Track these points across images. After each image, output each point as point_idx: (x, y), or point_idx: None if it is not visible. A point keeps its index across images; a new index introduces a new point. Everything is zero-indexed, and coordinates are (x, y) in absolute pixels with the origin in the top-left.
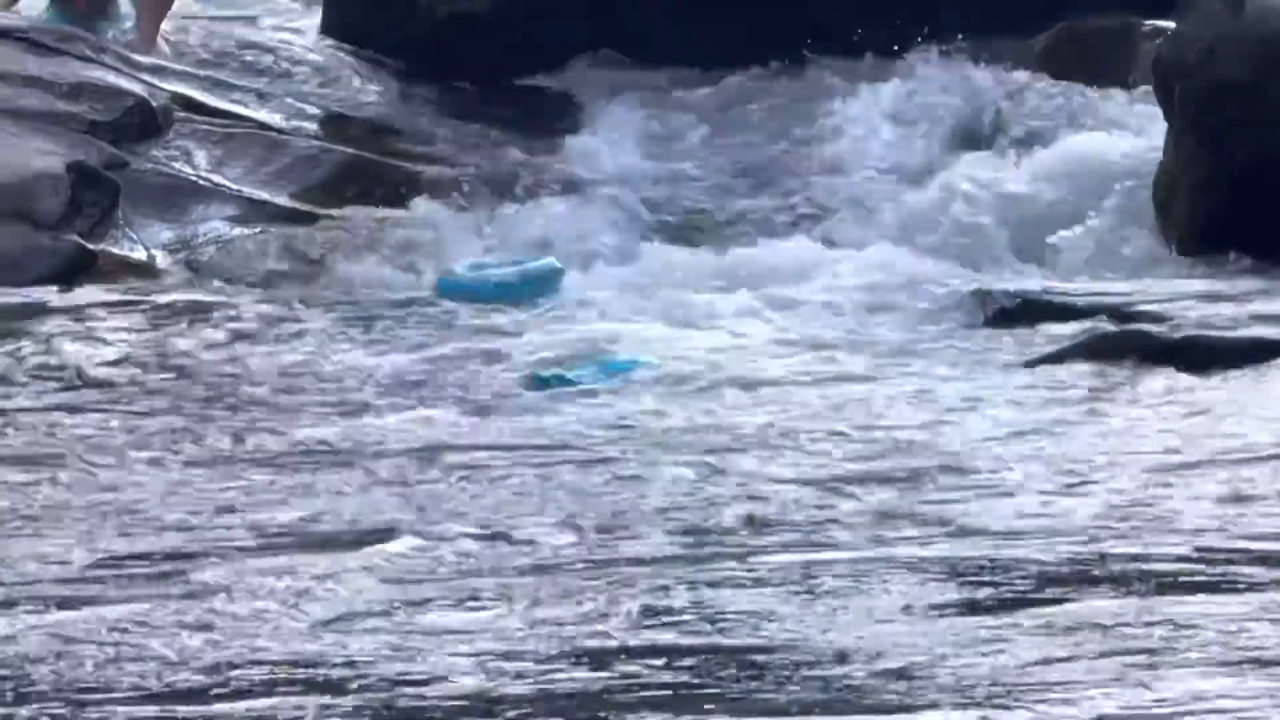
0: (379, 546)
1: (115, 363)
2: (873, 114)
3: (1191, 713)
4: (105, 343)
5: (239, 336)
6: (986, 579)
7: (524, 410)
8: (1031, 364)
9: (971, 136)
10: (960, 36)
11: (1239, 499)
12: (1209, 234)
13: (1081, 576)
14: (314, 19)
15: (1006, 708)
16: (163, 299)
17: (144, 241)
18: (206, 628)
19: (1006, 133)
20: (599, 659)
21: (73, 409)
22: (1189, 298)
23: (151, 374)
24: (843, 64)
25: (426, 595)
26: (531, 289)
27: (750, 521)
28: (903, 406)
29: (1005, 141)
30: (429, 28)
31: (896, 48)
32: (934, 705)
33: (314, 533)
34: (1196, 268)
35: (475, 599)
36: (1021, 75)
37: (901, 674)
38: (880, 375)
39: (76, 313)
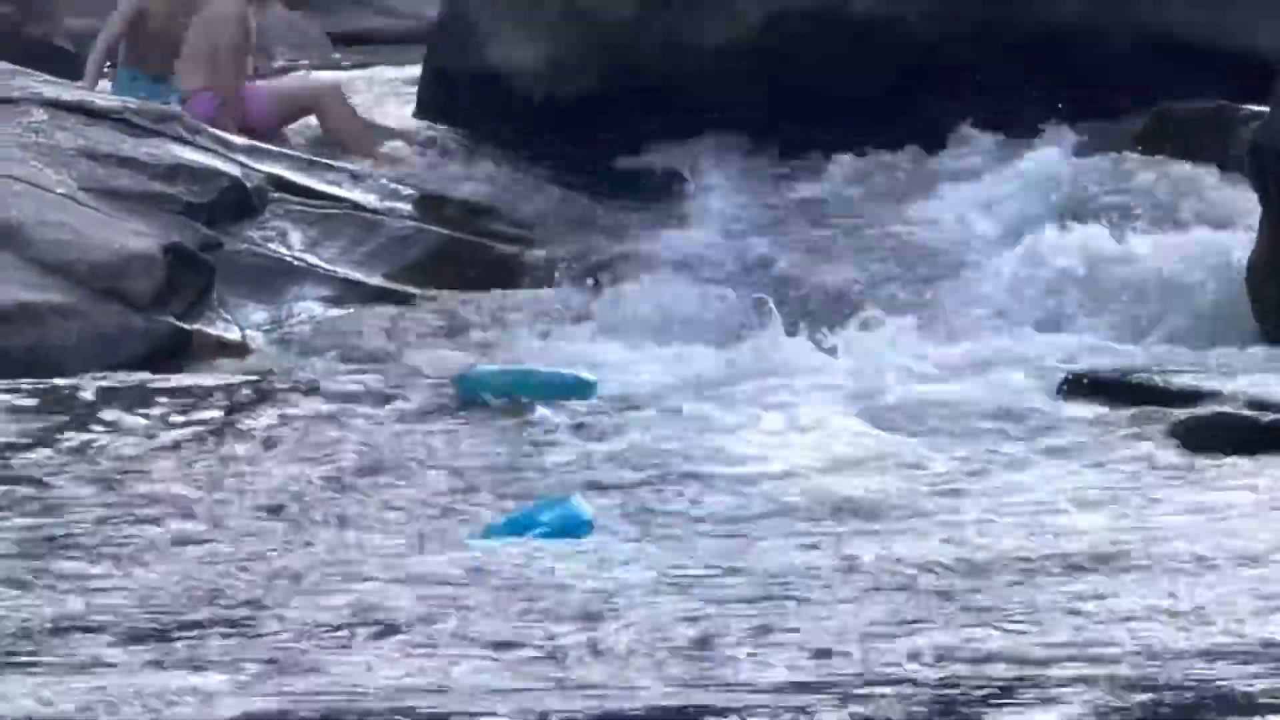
0: None
1: (194, 444)
2: (976, 197)
3: None
4: (188, 425)
5: (323, 419)
6: None
7: None
8: (1124, 446)
9: (1068, 217)
10: (1061, 120)
11: None
12: None
13: None
14: (410, 100)
15: None
16: (252, 379)
17: (238, 321)
18: None
19: (1102, 215)
20: None
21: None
22: None
23: (229, 457)
24: (945, 149)
25: None
26: (566, 394)
27: None
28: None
29: (1100, 223)
30: (525, 110)
31: (999, 130)
32: None
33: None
34: None
35: None
36: (1119, 157)
37: None
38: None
39: (168, 394)
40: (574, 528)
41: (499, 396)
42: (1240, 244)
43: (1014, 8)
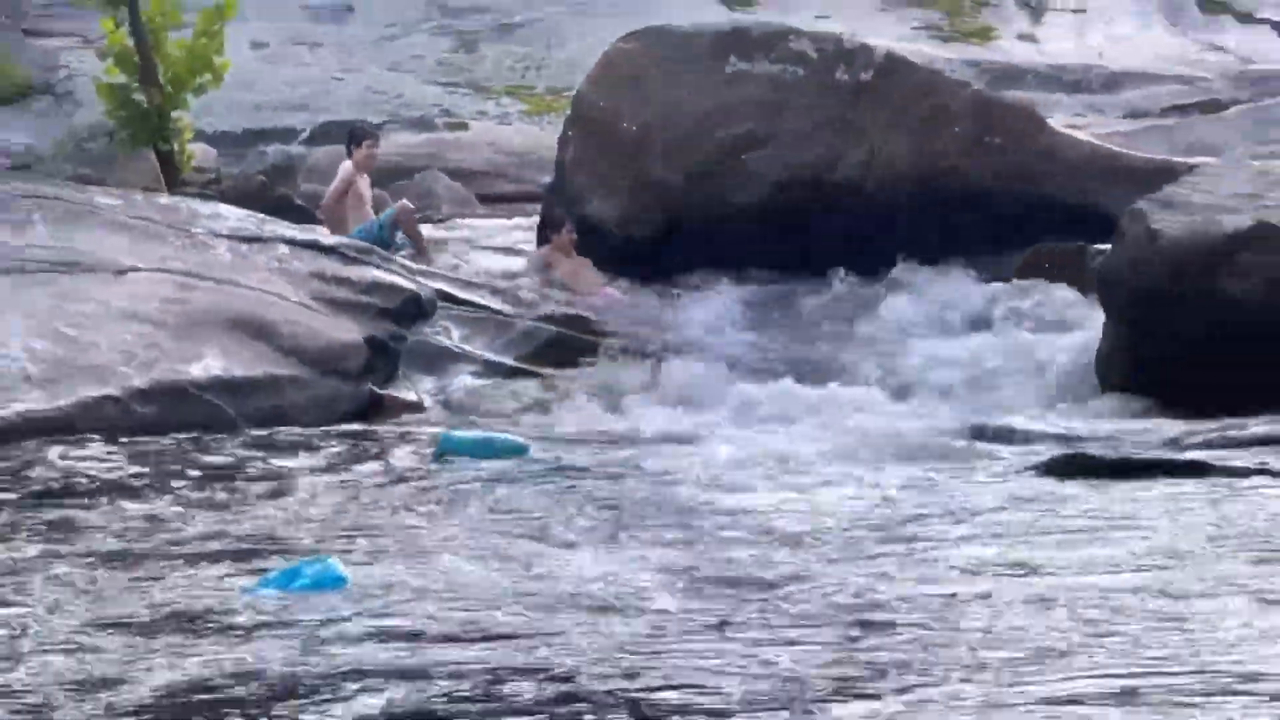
0: None
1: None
2: (895, 311)
3: None
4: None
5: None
6: None
7: None
8: (1017, 473)
9: (970, 324)
10: (971, 255)
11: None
12: (1136, 390)
13: None
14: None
15: None
16: (425, 430)
17: (416, 390)
18: None
19: (997, 322)
20: None
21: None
22: (1126, 431)
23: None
24: (872, 278)
25: None
26: (502, 453)
27: None
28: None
29: (990, 328)
30: (609, 246)
31: (917, 263)
32: None
33: None
34: (1128, 413)
35: None
36: (1006, 283)
37: None
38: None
39: (377, 439)
40: (330, 582)
41: (463, 455)
42: (1091, 340)
43: (940, 179)
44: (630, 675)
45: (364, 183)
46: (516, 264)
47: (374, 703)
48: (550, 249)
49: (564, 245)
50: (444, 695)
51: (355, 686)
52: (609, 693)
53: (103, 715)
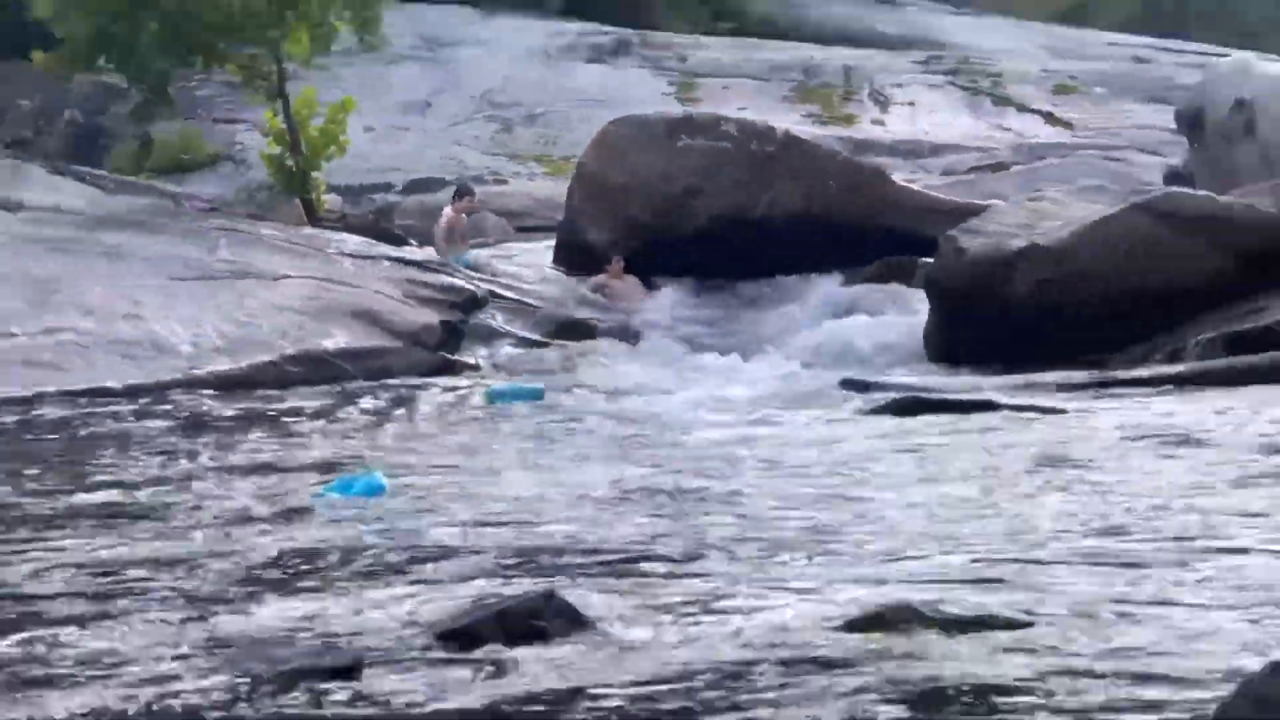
0: None
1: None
2: (791, 305)
3: None
4: (445, 399)
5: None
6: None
7: None
8: (870, 412)
9: (840, 313)
10: (839, 268)
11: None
12: (950, 357)
13: None
14: (548, 256)
15: None
16: (479, 383)
17: (475, 356)
18: None
19: (854, 312)
20: None
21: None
22: (944, 383)
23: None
24: (779, 283)
25: None
26: (530, 398)
27: None
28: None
29: (853, 315)
30: (605, 260)
31: (809, 271)
32: None
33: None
34: (945, 372)
35: None
36: (860, 287)
37: None
38: (792, 421)
39: (446, 388)
40: (375, 489)
41: (500, 400)
42: (919, 323)
43: (820, 215)
44: (607, 547)
45: (463, 223)
46: (540, 271)
47: (415, 571)
48: (606, 275)
49: (616, 272)
50: (474, 567)
51: (401, 559)
52: (596, 563)
53: (224, 577)
